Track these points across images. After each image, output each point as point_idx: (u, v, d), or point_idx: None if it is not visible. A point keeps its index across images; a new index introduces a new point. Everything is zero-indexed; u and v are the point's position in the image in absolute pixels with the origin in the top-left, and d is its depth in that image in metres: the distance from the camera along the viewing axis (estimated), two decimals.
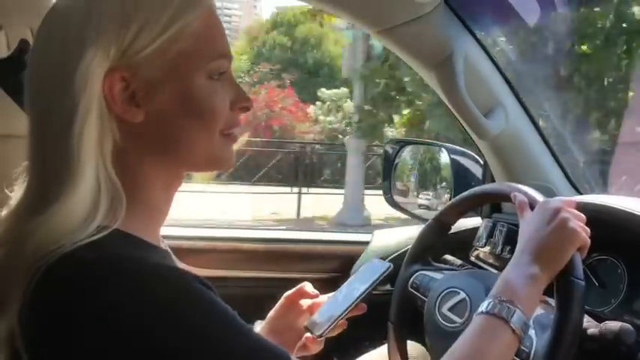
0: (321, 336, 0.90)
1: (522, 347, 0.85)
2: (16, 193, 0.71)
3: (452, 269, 1.19)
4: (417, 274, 1.17)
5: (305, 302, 0.98)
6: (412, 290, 1.16)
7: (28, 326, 0.61)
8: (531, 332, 0.87)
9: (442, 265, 1.21)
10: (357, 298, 0.91)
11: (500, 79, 1.33)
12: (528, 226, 0.86)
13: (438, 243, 1.20)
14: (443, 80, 1.27)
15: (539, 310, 0.90)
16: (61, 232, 0.62)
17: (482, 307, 0.78)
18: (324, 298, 0.97)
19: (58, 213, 0.63)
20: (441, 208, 1.22)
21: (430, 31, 1.23)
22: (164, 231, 0.78)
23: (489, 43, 1.33)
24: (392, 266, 0.93)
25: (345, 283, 0.96)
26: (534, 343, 0.87)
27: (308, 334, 0.92)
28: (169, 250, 0.82)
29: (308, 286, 0.99)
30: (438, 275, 1.15)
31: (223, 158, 0.74)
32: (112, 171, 0.66)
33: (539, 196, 0.93)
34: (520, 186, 0.98)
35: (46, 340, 0.61)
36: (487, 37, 1.33)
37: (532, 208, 0.90)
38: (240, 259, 1.61)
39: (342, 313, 0.90)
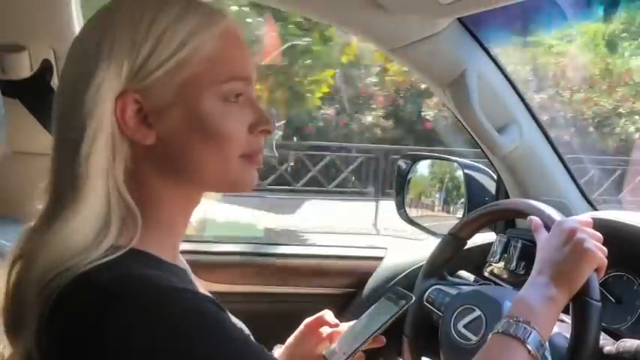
0: None
1: None
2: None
3: (467, 284, 1.19)
4: (432, 288, 1.18)
5: (325, 330, 0.97)
6: (427, 304, 1.17)
7: (44, 348, 0.62)
8: (546, 352, 0.87)
9: (457, 280, 1.21)
10: (376, 330, 0.89)
11: (515, 96, 1.34)
12: (545, 248, 0.86)
13: (454, 258, 1.20)
14: (456, 97, 1.27)
15: (554, 329, 0.90)
16: (69, 250, 0.63)
17: (498, 326, 0.78)
18: (344, 326, 0.97)
19: (64, 231, 0.63)
20: None
21: (443, 49, 1.24)
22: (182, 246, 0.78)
23: (503, 60, 1.33)
24: (414, 298, 0.92)
25: (365, 313, 0.95)
26: None
27: None
28: (187, 266, 0.83)
29: (328, 315, 0.98)
30: (453, 290, 1.15)
31: (241, 181, 0.73)
32: (125, 191, 0.66)
33: (555, 215, 0.93)
34: (537, 204, 0.98)
35: None
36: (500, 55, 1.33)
37: (547, 227, 0.90)
38: (255, 274, 1.61)
39: (360, 345, 0.88)
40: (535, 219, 0.93)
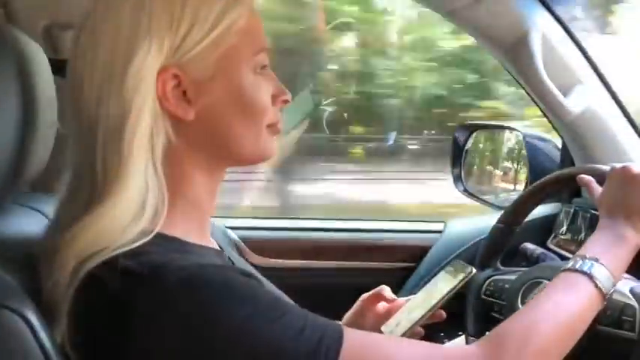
0: None
1: (625, 317, 0.85)
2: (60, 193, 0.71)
3: (525, 270, 1.14)
4: (489, 280, 1.13)
5: (382, 305, 0.95)
6: (486, 297, 1.12)
7: (75, 334, 0.62)
8: (633, 302, 0.86)
9: (514, 269, 1.16)
10: (436, 304, 0.85)
11: (581, 57, 1.26)
12: (605, 195, 0.82)
13: (507, 245, 1.15)
14: (519, 60, 1.21)
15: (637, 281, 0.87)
16: (106, 234, 0.62)
17: (565, 266, 0.75)
18: (402, 301, 0.94)
19: (104, 215, 0.63)
20: None
21: (504, 8, 1.18)
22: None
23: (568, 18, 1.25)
24: (474, 271, 0.87)
25: (424, 287, 0.91)
26: (638, 312, 0.85)
27: None
28: (230, 244, 0.81)
29: (386, 290, 0.96)
30: (512, 276, 1.10)
31: (268, 152, 0.74)
32: (161, 171, 0.66)
33: (604, 167, 0.89)
34: (585, 165, 0.94)
35: (91, 349, 0.61)
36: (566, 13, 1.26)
37: (601, 182, 0.86)
38: (308, 249, 1.59)
39: (418, 320, 0.85)
40: (584, 175, 0.89)
